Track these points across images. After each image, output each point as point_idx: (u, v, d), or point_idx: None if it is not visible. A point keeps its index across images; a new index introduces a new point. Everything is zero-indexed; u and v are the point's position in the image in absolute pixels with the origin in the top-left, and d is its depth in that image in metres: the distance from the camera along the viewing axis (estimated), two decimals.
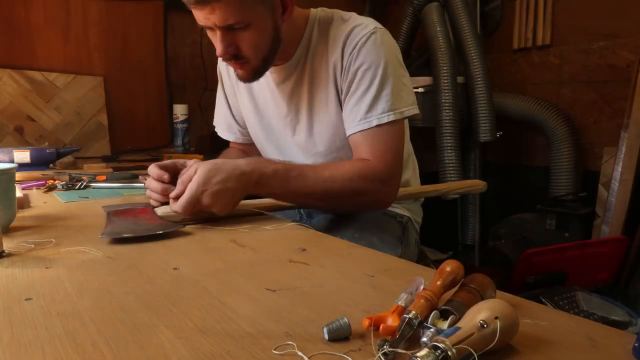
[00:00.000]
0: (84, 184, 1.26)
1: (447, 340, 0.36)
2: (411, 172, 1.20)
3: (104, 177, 1.33)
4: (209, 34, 0.96)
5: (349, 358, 0.40)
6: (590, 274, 1.94)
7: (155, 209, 0.91)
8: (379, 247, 0.95)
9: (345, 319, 0.44)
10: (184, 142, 2.17)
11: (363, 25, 1.00)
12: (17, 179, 0.98)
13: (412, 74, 2.48)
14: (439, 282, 0.47)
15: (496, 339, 0.38)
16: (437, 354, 0.35)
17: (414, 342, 0.41)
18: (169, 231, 0.79)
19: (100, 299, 0.53)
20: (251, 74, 1.00)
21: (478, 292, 0.46)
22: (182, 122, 2.16)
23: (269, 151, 1.19)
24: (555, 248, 1.91)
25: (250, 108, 1.17)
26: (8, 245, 0.72)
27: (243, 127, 1.27)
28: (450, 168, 2.38)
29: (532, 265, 1.86)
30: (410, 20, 2.75)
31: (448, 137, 2.39)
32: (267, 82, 1.10)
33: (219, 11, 0.87)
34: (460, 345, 0.36)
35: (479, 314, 0.39)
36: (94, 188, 1.26)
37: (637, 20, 2.12)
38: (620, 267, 1.98)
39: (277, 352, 0.41)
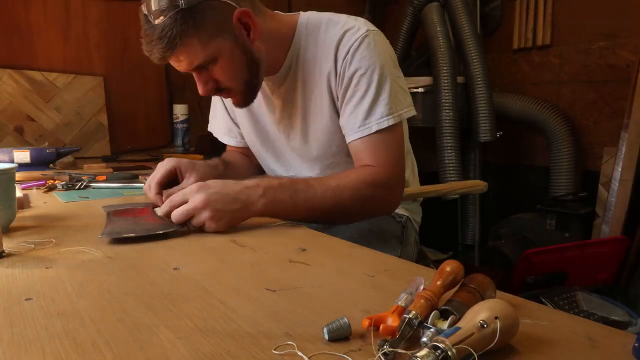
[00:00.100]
0: (84, 184, 1.26)
1: (447, 340, 0.36)
2: (410, 172, 1.19)
3: (104, 177, 1.33)
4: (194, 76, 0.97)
5: (349, 358, 0.40)
6: (590, 274, 1.94)
7: (156, 209, 0.91)
8: (378, 247, 0.95)
9: (345, 319, 0.44)
10: (184, 142, 2.17)
11: (355, 29, 0.98)
12: (17, 179, 0.98)
13: (412, 74, 2.50)
14: (439, 282, 0.47)
15: (496, 339, 0.38)
16: (437, 354, 0.35)
17: (414, 342, 0.41)
18: (169, 231, 0.79)
19: (100, 299, 0.53)
20: (242, 100, 1.00)
21: (478, 292, 0.46)
22: (182, 122, 2.17)
23: (266, 157, 1.19)
24: (555, 248, 1.91)
25: (244, 114, 1.16)
26: (8, 245, 0.72)
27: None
28: (450, 168, 2.38)
29: (532, 265, 1.86)
30: (410, 20, 2.74)
31: (448, 137, 2.39)
32: (261, 89, 1.09)
33: (182, 57, 0.89)
34: (460, 345, 0.36)
35: (479, 314, 0.39)
36: (94, 188, 1.26)
37: (637, 20, 2.12)
38: (620, 267, 1.98)
39: (277, 352, 0.41)
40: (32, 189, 1.25)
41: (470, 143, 2.58)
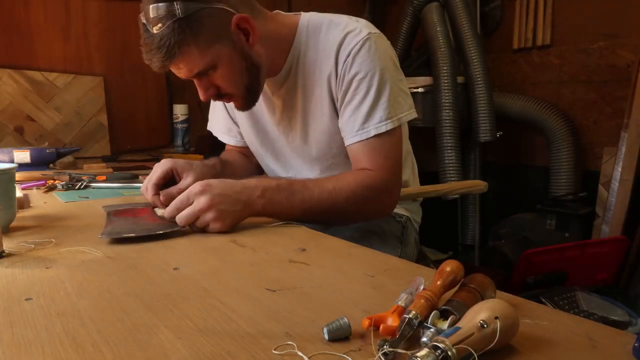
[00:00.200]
0: (84, 184, 1.26)
1: (447, 340, 0.36)
2: (410, 172, 1.19)
3: (104, 177, 1.33)
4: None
5: (349, 358, 0.40)
6: (590, 274, 1.95)
7: (156, 209, 0.91)
8: (378, 247, 0.95)
9: (345, 319, 0.44)
10: (184, 142, 2.17)
11: (356, 31, 0.97)
12: (17, 179, 0.98)
13: (412, 74, 2.50)
14: (439, 282, 0.47)
15: (496, 339, 0.38)
16: (437, 354, 0.35)
17: (414, 342, 0.41)
18: (169, 231, 0.79)
19: (100, 299, 0.53)
20: (244, 104, 1.01)
21: (478, 292, 0.46)
22: (182, 122, 2.17)
23: (265, 157, 1.18)
24: (555, 248, 1.91)
25: (244, 114, 1.16)
26: (8, 245, 0.72)
27: None
28: (450, 168, 2.38)
29: (532, 265, 1.86)
30: (410, 20, 2.74)
31: (448, 137, 2.39)
32: (264, 91, 1.09)
33: (182, 65, 0.90)
34: (460, 345, 0.36)
35: (479, 314, 0.39)
36: (94, 188, 1.26)
37: (637, 20, 2.12)
38: (620, 267, 1.98)
39: (277, 352, 0.41)
40: (32, 189, 1.25)
41: (470, 143, 2.58)
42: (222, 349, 0.42)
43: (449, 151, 2.38)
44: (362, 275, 0.61)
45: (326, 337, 0.43)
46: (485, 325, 0.38)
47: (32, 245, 0.73)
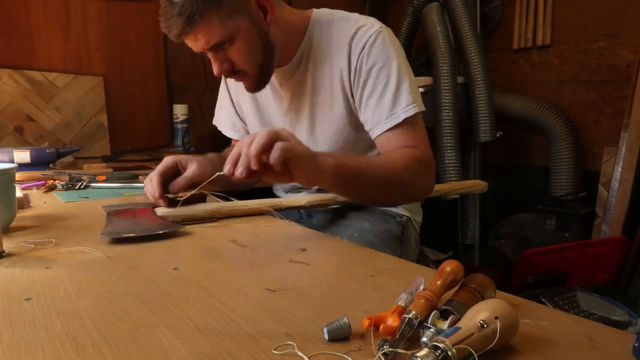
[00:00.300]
0: (84, 184, 1.26)
1: (447, 340, 0.36)
2: None
3: (104, 177, 1.33)
4: (209, 56, 0.97)
5: (349, 358, 0.40)
6: (590, 274, 1.94)
7: (156, 209, 0.91)
8: (378, 247, 0.95)
9: (345, 319, 0.44)
10: (184, 142, 2.17)
11: (368, 25, 1.00)
12: (17, 179, 0.98)
13: None
14: (439, 282, 0.47)
15: (496, 339, 0.38)
16: (437, 354, 0.35)
17: (414, 342, 0.41)
18: (169, 231, 0.79)
19: (100, 299, 0.53)
20: (254, 84, 1.01)
21: (478, 292, 0.46)
22: (182, 122, 2.17)
23: None
24: (555, 248, 1.91)
25: (251, 106, 1.17)
26: (8, 245, 0.72)
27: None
28: (450, 168, 2.38)
29: (532, 265, 1.86)
30: (410, 20, 2.75)
31: (448, 137, 2.39)
32: (271, 82, 1.09)
33: (200, 35, 0.90)
34: (460, 345, 0.36)
35: (479, 314, 0.39)
36: (94, 188, 1.26)
37: (637, 20, 2.12)
38: (620, 267, 1.98)
39: (277, 352, 0.41)
40: (32, 189, 1.25)
41: (470, 143, 2.58)
42: (222, 349, 0.42)
43: (449, 151, 2.38)
44: (362, 275, 0.61)
45: (326, 337, 0.43)
46: (485, 325, 0.38)
47: (32, 245, 0.73)
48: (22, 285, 0.57)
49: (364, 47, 0.97)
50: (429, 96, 2.43)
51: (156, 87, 2.35)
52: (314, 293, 0.55)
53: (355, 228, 1.04)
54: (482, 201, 2.63)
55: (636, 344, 0.39)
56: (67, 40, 2.15)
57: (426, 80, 2.44)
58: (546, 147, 2.39)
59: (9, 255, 0.69)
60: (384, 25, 1.01)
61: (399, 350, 0.39)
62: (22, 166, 1.42)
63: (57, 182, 1.26)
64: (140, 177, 1.34)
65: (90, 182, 1.28)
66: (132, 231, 0.77)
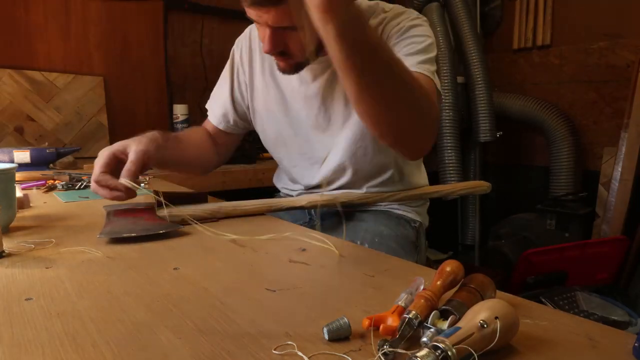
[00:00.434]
0: (84, 184, 1.26)
1: (447, 340, 0.36)
2: (414, 166, 1.19)
3: None
4: (258, 28, 0.93)
5: (349, 358, 0.40)
6: (590, 274, 1.95)
7: (157, 211, 0.91)
8: (399, 253, 0.94)
9: (345, 319, 0.44)
10: None
11: (407, 13, 1.00)
12: (17, 179, 0.98)
13: None
14: (439, 282, 0.47)
15: (496, 339, 0.38)
16: (437, 354, 0.35)
17: (414, 342, 0.41)
18: (169, 231, 0.79)
19: (100, 299, 0.53)
20: (294, 67, 0.98)
21: (478, 292, 0.46)
22: (182, 122, 2.17)
23: (295, 146, 1.14)
24: (555, 248, 1.91)
25: (277, 100, 1.11)
26: (8, 245, 0.72)
27: (242, 119, 1.20)
28: (450, 168, 2.38)
29: (532, 265, 1.86)
30: None
31: (448, 137, 2.39)
32: (299, 76, 1.04)
33: (274, 12, 0.85)
34: (460, 345, 0.36)
35: (479, 314, 0.39)
36: None
37: (637, 20, 2.12)
38: (620, 267, 1.98)
39: (277, 352, 0.41)
40: (32, 189, 1.25)
41: (470, 143, 2.58)
42: (222, 349, 0.42)
43: (449, 151, 2.39)
44: (362, 275, 0.61)
45: (326, 337, 0.43)
46: (485, 325, 0.38)
47: (32, 245, 0.73)
48: (22, 285, 0.57)
49: (401, 22, 0.97)
50: None
51: (156, 87, 2.35)
52: (314, 293, 0.55)
53: (374, 233, 1.03)
54: (482, 201, 2.63)
55: (636, 344, 0.39)
56: (67, 40, 2.15)
57: None
58: (546, 147, 2.39)
59: (9, 255, 0.69)
60: (423, 17, 1.00)
61: (399, 350, 0.39)
62: (22, 166, 1.42)
63: (57, 182, 1.26)
64: (140, 177, 1.34)
65: (90, 182, 1.28)
66: (131, 231, 0.77)
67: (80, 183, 1.26)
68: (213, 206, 0.92)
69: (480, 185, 1.21)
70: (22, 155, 1.49)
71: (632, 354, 0.40)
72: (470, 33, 2.41)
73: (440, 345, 0.36)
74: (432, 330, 0.41)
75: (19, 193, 0.97)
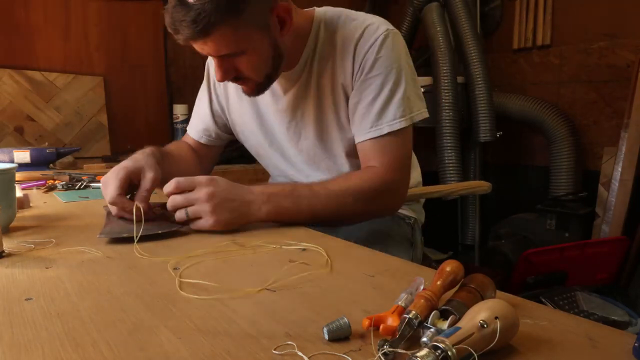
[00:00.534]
0: (84, 184, 1.26)
1: (447, 340, 0.36)
2: (416, 174, 1.19)
3: None
4: (210, 57, 0.94)
5: (349, 358, 0.40)
6: (590, 274, 1.95)
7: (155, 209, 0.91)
8: (392, 251, 0.94)
9: (345, 319, 0.44)
10: None
11: (374, 27, 0.96)
12: (17, 179, 0.98)
13: None
14: (439, 282, 0.47)
15: (496, 339, 0.38)
16: (437, 354, 0.35)
17: (414, 342, 0.41)
18: (169, 231, 0.79)
19: (100, 299, 0.53)
20: (255, 90, 0.97)
21: (478, 292, 0.46)
22: (182, 122, 2.17)
23: (273, 158, 1.15)
24: (555, 248, 1.91)
25: (251, 114, 1.12)
26: (8, 245, 0.72)
27: (223, 131, 1.20)
28: (450, 168, 2.38)
29: (532, 265, 1.86)
30: (410, 20, 2.75)
31: (448, 137, 2.39)
32: (272, 88, 1.04)
33: (211, 44, 0.85)
34: (460, 345, 0.36)
35: (479, 314, 0.39)
36: (94, 188, 1.26)
37: (637, 20, 2.12)
38: (620, 267, 1.98)
39: (277, 352, 0.41)
40: (32, 189, 1.25)
41: (470, 143, 2.58)
42: (222, 349, 0.42)
43: (449, 151, 2.38)
44: (362, 275, 0.61)
45: (326, 337, 0.43)
46: (485, 325, 0.38)
47: (32, 245, 0.73)
48: (22, 285, 0.57)
49: (368, 51, 0.94)
50: (429, 96, 2.43)
51: (156, 87, 2.36)
52: (314, 293, 0.55)
53: (369, 232, 1.03)
54: (482, 201, 2.63)
55: (636, 344, 0.39)
56: (67, 40, 2.15)
57: (426, 80, 2.45)
58: (546, 147, 2.39)
59: (9, 255, 0.69)
60: (391, 27, 0.98)
61: (399, 350, 0.39)
62: (22, 166, 1.42)
63: (57, 182, 1.26)
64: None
65: (90, 182, 1.28)
66: (131, 231, 0.77)
67: (80, 183, 1.26)
68: None
69: (481, 185, 1.21)
70: (22, 155, 1.49)
71: (632, 354, 0.40)
72: (470, 33, 2.41)
73: (440, 345, 0.36)
74: (432, 330, 0.41)
75: (19, 193, 0.97)
